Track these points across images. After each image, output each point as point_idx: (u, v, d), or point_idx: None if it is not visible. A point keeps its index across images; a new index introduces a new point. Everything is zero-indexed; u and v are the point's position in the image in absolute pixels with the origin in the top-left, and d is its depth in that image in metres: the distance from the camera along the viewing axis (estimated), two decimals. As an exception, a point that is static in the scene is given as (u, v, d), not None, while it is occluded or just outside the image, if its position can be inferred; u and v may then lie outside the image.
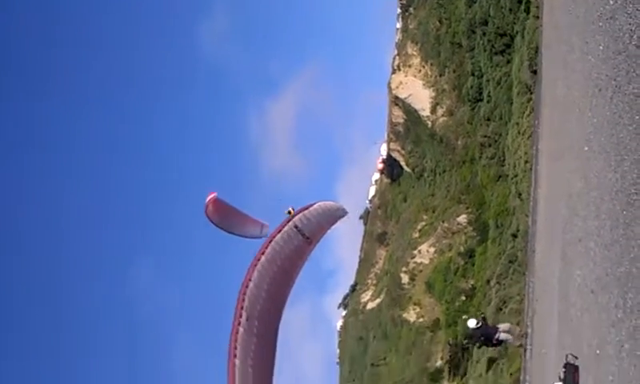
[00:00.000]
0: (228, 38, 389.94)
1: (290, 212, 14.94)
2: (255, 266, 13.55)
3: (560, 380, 12.61)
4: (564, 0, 18.45)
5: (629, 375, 8.45)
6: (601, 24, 11.49)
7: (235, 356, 12.71)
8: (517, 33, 37.60)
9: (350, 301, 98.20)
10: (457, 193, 60.46)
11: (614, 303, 9.34)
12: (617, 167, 9.82)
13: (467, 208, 57.79)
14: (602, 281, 10.23)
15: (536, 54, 28.90)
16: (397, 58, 72.61)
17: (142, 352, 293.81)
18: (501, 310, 30.22)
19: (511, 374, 26.60)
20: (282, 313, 14.38)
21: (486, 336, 22.14)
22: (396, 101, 70.76)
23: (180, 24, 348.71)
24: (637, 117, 9.07)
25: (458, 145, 59.00)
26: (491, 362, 32.06)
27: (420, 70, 66.31)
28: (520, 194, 32.27)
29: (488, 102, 47.27)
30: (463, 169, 58.52)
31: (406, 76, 67.88)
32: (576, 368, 12.05)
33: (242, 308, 13.02)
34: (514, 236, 34.10)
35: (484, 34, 44.88)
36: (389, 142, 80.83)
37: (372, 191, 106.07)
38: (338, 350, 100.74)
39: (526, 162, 30.26)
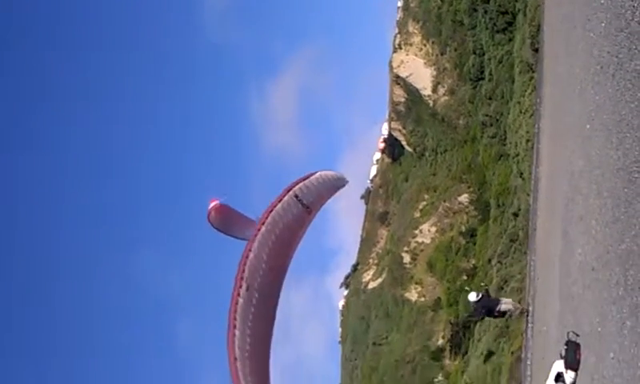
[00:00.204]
0: (230, 16, 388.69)
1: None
2: (255, 236, 13.50)
3: (561, 357, 12.66)
4: (566, -23, 18.29)
5: (630, 352, 8.48)
6: (602, 1, 11.39)
7: (235, 326, 12.73)
8: (518, 11, 37.41)
9: (351, 280, 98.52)
10: (458, 172, 60.48)
11: (615, 280, 9.35)
12: (619, 145, 9.78)
13: (468, 187, 57.87)
14: (604, 258, 10.23)
15: (538, 32, 28.72)
16: (398, 36, 72.17)
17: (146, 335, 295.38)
18: (502, 288, 30.31)
19: (512, 353, 26.73)
20: (282, 283, 14.33)
21: (487, 308, 22.08)
22: (397, 80, 70.50)
23: (182, 3, 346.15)
24: (639, 94, 9.02)
25: (460, 124, 58.93)
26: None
27: (421, 49, 66.00)
28: (521, 173, 32.24)
29: (489, 80, 47.12)
30: (464, 148, 58.49)
31: (407, 55, 67.57)
32: (577, 345, 12.09)
33: (241, 278, 13.00)
34: (515, 215, 34.17)
35: (485, 11, 44.63)
36: (390, 121, 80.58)
37: (373, 171, 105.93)
38: (339, 330, 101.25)
39: (528, 140, 30.18)
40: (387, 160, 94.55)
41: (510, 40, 41.31)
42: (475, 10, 48.10)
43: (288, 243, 14.40)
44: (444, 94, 61.45)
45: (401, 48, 69.45)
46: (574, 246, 13.38)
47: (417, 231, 65.41)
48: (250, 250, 13.26)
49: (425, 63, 64.95)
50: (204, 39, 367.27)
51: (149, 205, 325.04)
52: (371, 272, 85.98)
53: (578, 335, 12.13)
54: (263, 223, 13.64)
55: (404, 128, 75.74)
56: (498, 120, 44.44)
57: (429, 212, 65.39)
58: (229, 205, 15.18)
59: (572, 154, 14.64)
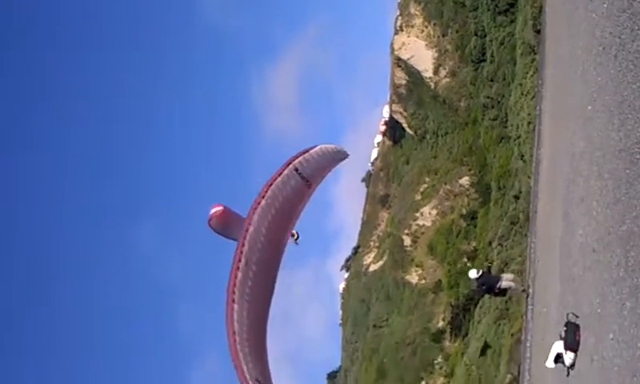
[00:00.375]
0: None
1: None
2: (255, 209, 13.41)
3: (561, 339, 12.71)
4: (569, -43, 18.14)
5: (629, 333, 8.50)
6: (606, -19, 11.32)
7: (234, 301, 12.71)
8: (521, -8, 37.13)
9: (352, 263, 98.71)
10: (459, 155, 60.39)
11: (615, 262, 9.36)
12: (620, 126, 9.76)
13: (469, 170, 57.81)
14: (604, 240, 10.24)
15: (540, 14, 28.57)
16: (399, 18, 71.72)
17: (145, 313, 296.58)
18: (503, 271, 30.34)
19: (512, 335, 26.80)
20: (281, 258, 14.27)
21: (488, 285, 22.02)
22: (398, 62, 70.15)
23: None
24: (641, 75, 8.98)
25: (461, 106, 58.79)
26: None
27: (423, 31, 65.65)
28: (522, 156, 32.18)
29: (491, 62, 46.94)
30: (466, 130, 58.40)
31: (408, 36, 67.20)
32: (577, 327, 12.12)
33: (241, 252, 12.97)
34: (516, 197, 34.14)
35: (487, -7, 44.37)
36: (391, 103, 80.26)
37: (374, 153, 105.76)
38: (340, 312, 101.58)
39: (529, 122, 30.09)
40: (388, 143, 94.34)
41: (512, 21, 41.10)
42: (477, -8, 47.87)
43: (288, 217, 14.31)
44: (445, 76, 61.22)
45: (402, 30, 69.05)
46: (574, 227, 13.38)
47: (417, 214, 65.42)
48: (249, 224, 13.18)
49: (426, 45, 64.62)
50: (204, 22, 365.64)
51: (149, 189, 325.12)
52: (372, 255, 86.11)
53: (577, 316, 12.16)
54: (263, 196, 13.54)
55: (405, 110, 75.47)
56: (499, 102, 44.31)
57: (429, 195, 65.38)
58: (229, 208, 15.05)
59: (573, 136, 14.61)
